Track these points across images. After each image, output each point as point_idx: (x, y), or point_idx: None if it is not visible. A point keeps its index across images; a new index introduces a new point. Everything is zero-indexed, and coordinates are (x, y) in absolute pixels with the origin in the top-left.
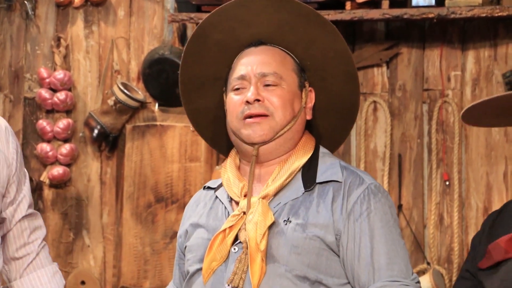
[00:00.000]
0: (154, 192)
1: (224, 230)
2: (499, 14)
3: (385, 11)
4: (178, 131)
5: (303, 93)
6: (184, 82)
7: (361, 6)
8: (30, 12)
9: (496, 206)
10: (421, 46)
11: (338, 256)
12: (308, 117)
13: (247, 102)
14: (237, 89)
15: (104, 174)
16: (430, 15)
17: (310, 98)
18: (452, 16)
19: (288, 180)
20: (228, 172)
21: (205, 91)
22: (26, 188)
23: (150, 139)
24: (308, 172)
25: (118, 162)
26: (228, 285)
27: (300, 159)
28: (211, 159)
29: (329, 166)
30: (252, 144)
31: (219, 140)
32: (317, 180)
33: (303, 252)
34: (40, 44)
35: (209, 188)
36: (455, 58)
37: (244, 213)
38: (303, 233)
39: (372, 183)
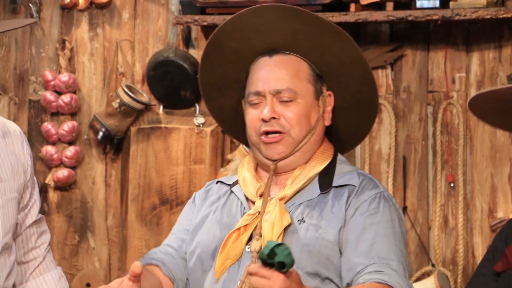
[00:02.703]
0: (159, 194)
1: (239, 228)
2: (504, 15)
3: (390, 13)
4: (182, 133)
5: (320, 101)
6: (204, 84)
7: (365, 8)
8: (34, 15)
9: (501, 207)
10: (425, 47)
11: None
12: (327, 123)
13: (264, 120)
14: (255, 103)
15: (109, 177)
16: (435, 17)
17: (329, 102)
18: (457, 17)
19: (305, 184)
20: (245, 171)
21: (225, 92)
22: (36, 193)
23: (154, 142)
24: (325, 177)
25: (123, 164)
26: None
27: (319, 166)
28: (216, 162)
29: (346, 173)
30: (271, 160)
31: (245, 133)
32: (334, 184)
33: (314, 251)
34: (45, 46)
35: (222, 183)
36: (459, 59)
37: (259, 213)
38: (316, 233)
39: (385, 191)
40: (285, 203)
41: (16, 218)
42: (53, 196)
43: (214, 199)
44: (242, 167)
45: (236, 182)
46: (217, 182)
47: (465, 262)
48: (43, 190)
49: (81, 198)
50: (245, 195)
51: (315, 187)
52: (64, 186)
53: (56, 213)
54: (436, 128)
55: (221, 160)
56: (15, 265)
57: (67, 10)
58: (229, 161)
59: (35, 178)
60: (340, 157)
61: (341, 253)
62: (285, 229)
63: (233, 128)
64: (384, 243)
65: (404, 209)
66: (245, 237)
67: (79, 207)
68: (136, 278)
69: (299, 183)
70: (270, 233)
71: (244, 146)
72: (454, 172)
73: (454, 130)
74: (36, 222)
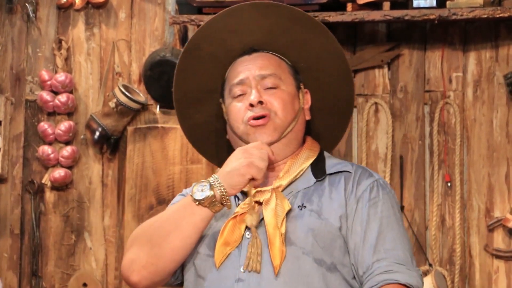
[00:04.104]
0: (155, 194)
1: (235, 216)
2: (501, 15)
3: (386, 12)
4: (179, 133)
5: (300, 94)
6: (179, 99)
7: (362, 7)
8: (31, 15)
9: (498, 207)
10: (422, 47)
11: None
12: (307, 117)
13: (251, 105)
14: (239, 95)
15: (106, 176)
16: (432, 16)
17: (307, 99)
18: (453, 17)
19: (299, 175)
20: None
21: (201, 106)
22: None
23: (151, 141)
24: (317, 167)
25: (119, 164)
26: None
27: (309, 158)
28: None
29: (338, 162)
30: None
31: (220, 152)
32: (328, 172)
33: (319, 235)
34: (41, 46)
35: None
36: (456, 59)
37: (256, 202)
38: (319, 219)
39: (380, 178)
40: (282, 191)
41: None
42: (49, 196)
43: None
44: None
45: None
46: None
47: (462, 261)
48: (40, 190)
49: (78, 198)
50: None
51: (309, 176)
52: (60, 186)
53: (52, 213)
54: (433, 128)
55: None
56: None
57: (64, 10)
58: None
59: None
60: (326, 153)
61: (344, 240)
62: (287, 215)
63: (204, 146)
64: (389, 232)
65: (401, 208)
66: (243, 224)
67: (75, 207)
68: None
69: (293, 173)
70: (273, 219)
71: None
72: (451, 172)
73: (451, 130)
74: None
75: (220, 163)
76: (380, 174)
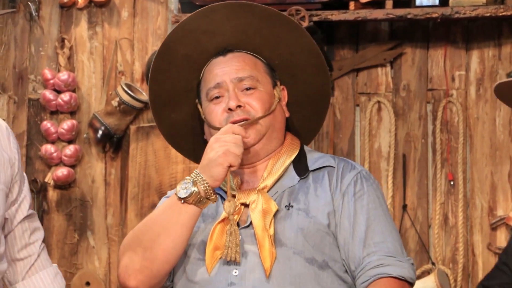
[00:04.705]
0: (158, 193)
1: (223, 220)
2: (503, 13)
3: (389, 11)
4: None
5: (276, 92)
6: (154, 99)
7: (364, 6)
8: (34, 14)
9: (501, 206)
10: (425, 46)
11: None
12: (287, 114)
13: (229, 109)
14: (216, 97)
15: (109, 175)
16: (434, 15)
17: (284, 96)
18: (456, 15)
19: (282, 174)
20: None
21: (177, 105)
22: (26, 188)
23: (154, 140)
24: (299, 164)
25: (122, 163)
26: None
27: (291, 155)
28: None
29: (319, 157)
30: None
31: (198, 150)
32: (310, 168)
33: (309, 234)
34: (44, 45)
35: None
36: (459, 57)
37: (242, 204)
38: (307, 217)
39: (363, 170)
40: (267, 192)
41: (4, 210)
42: (52, 195)
43: None
44: None
45: None
46: None
47: (465, 260)
48: (43, 189)
49: (81, 197)
50: (223, 189)
51: (292, 174)
52: (63, 185)
53: (55, 211)
54: (435, 126)
55: None
56: (3, 257)
57: (66, 9)
58: None
59: (24, 174)
60: (306, 147)
61: (334, 236)
62: (275, 216)
63: (183, 144)
64: (377, 225)
65: (404, 207)
66: (233, 226)
67: (78, 205)
68: None
69: (277, 172)
70: (261, 221)
71: None
72: (454, 170)
73: (454, 128)
74: (28, 217)
75: (198, 161)
76: (383, 172)
